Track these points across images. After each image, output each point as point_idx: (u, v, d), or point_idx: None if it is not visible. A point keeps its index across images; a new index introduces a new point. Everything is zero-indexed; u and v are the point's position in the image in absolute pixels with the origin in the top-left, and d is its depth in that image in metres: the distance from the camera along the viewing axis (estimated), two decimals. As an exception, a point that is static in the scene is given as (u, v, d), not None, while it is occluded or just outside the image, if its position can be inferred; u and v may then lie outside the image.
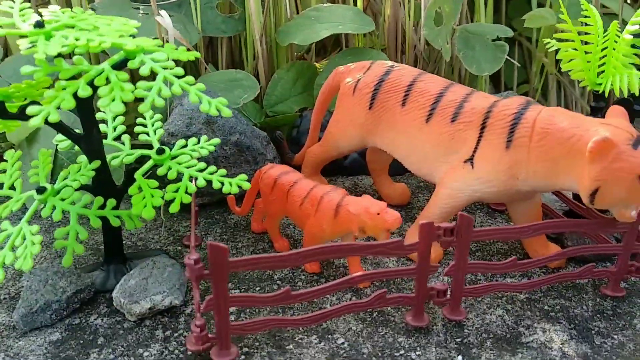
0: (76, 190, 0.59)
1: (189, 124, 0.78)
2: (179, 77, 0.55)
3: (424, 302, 0.60)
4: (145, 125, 0.68)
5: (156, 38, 0.88)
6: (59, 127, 0.57)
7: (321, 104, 0.84)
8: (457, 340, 0.60)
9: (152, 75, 0.53)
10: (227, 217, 0.82)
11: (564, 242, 0.73)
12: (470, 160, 0.65)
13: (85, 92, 0.51)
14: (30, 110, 0.49)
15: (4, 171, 0.65)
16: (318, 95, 0.84)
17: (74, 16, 0.57)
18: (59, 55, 0.54)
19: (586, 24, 0.68)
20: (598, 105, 0.72)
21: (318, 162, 0.84)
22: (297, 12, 1.12)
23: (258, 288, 0.67)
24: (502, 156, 0.63)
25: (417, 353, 0.58)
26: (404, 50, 1.15)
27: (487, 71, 1.02)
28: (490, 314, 0.64)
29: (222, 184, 0.61)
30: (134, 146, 0.66)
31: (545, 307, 0.65)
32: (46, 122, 0.53)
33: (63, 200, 0.59)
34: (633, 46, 0.69)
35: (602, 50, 0.67)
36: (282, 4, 1.09)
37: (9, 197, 0.62)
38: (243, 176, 0.62)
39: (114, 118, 0.68)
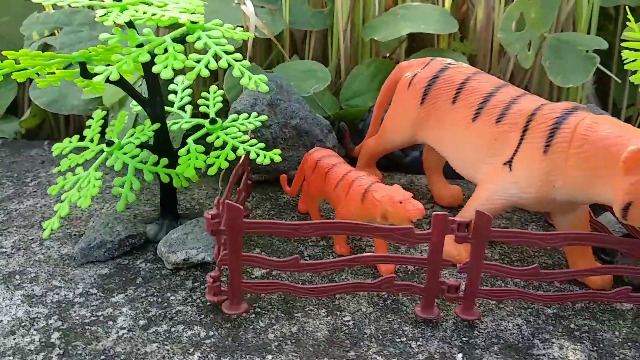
0: (138, 147, 0.68)
1: (253, 104, 0.84)
2: (228, 53, 0.60)
3: (434, 295, 0.60)
4: (208, 99, 0.75)
5: (240, 26, 0.96)
6: (130, 90, 0.66)
7: (382, 97, 0.86)
8: (464, 339, 0.59)
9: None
10: (280, 195, 0.87)
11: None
12: (510, 163, 0.64)
13: (144, 57, 0.58)
14: (97, 69, 0.57)
15: (89, 127, 0.76)
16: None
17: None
18: (134, 26, 0.63)
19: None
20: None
21: (372, 154, 0.86)
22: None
23: (287, 260, 0.71)
24: (539, 161, 0.61)
25: (418, 343, 0.58)
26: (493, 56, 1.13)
27: (572, 83, 0.97)
28: (508, 322, 0.62)
29: (258, 155, 0.66)
30: (195, 116, 0.73)
31: (572, 326, 0.62)
32: (116, 83, 0.62)
33: (125, 154, 0.67)
34: None
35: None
36: (371, 2, 1.12)
37: (87, 148, 0.72)
38: (277, 150, 0.66)
39: (183, 90, 0.76)
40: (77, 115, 1.09)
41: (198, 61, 0.59)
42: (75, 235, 0.75)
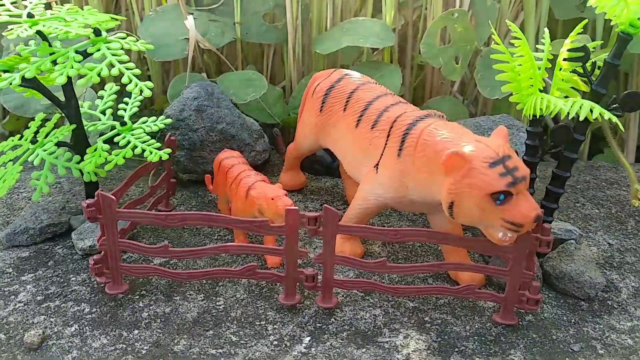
0: (56, 145, 0.76)
1: (182, 109, 0.92)
2: (122, 62, 0.68)
3: (294, 283, 0.65)
4: (127, 104, 0.83)
5: (186, 38, 1.05)
6: (47, 93, 0.75)
7: (302, 105, 0.92)
8: (318, 325, 0.64)
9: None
10: (207, 194, 0.94)
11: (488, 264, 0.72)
12: (377, 165, 0.69)
13: (46, 66, 0.67)
14: (4, 76, 0.66)
15: (28, 127, 0.85)
16: (302, 98, 0.92)
17: (70, 12, 0.74)
18: (47, 39, 0.72)
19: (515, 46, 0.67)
20: (535, 129, 0.70)
21: (293, 158, 0.92)
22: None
23: (188, 251, 0.77)
24: (395, 164, 0.66)
25: (274, 327, 0.64)
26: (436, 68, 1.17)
27: (498, 95, 1.00)
28: (367, 312, 0.67)
29: (151, 152, 0.73)
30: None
31: (426, 318, 0.66)
32: (32, 87, 0.71)
33: (45, 151, 0.76)
34: (574, 72, 0.66)
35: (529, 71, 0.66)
36: (323, 16, 1.18)
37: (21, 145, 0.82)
38: (167, 150, 0.74)
39: (109, 95, 0.84)
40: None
41: (92, 70, 0.67)
42: (12, 223, 0.85)
